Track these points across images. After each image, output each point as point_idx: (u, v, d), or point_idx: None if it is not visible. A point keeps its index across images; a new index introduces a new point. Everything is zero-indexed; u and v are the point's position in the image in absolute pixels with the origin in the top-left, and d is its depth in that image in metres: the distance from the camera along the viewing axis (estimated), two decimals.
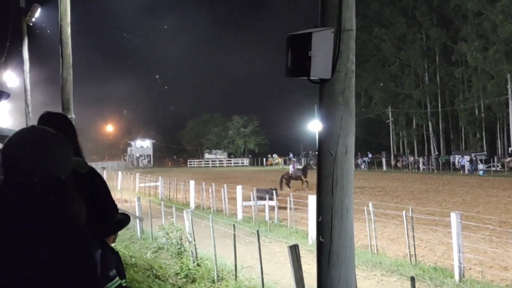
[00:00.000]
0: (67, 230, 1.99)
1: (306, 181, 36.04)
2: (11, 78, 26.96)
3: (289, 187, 34.83)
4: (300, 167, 39.74)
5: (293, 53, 3.48)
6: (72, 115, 12.23)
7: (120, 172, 45.80)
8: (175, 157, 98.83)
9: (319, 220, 3.57)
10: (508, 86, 55.76)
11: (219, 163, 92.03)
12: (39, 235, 1.91)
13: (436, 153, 70.20)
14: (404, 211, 14.47)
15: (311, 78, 3.50)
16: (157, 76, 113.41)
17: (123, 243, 16.96)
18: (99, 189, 2.33)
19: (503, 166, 51.21)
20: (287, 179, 35.86)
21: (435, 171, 55.42)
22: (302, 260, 8.85)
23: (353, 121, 3.63)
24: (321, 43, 3.43)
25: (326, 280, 3.53)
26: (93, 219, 2.58)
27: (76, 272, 1.97)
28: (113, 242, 5.76)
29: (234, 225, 13.48)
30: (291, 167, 38.90)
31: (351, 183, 3.62)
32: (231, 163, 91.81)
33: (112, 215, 2.44)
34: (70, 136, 2.81)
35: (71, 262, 1.96)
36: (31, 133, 2.11)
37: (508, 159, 50.93)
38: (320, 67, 3.44)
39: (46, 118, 3.23)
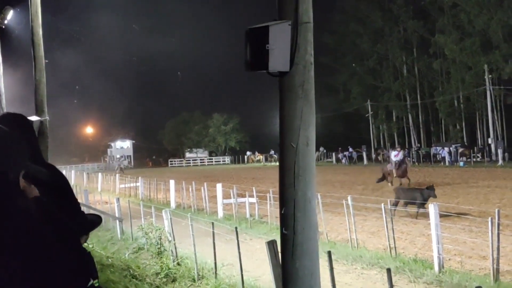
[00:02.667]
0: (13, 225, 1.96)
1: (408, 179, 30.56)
2: None
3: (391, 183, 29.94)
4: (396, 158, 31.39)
5: (251, 46, 3.47)
6: (46, 117, 12.15)
7: (100, 174, 45.47)
8: (154, 157, 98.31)
9: (282, 212, 3.58)
10: (486, 77, 56.30)
11: (200, 162, 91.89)
12: None
13: (417, 145, 70.73)
14: (382, 204, 14.55)
15: (270, 71, 3.50)
16: (135, 74, 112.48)
17: (102, 244, 16.87)
18: (62, 190, 2.30)
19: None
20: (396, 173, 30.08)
21: (416, 163, 55.79)
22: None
23: (313, 114, 3.63)
24: (279, 36, 3.42)
25: (291, 271, 3.54)
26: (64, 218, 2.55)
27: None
28: (84, 242, 5.74)
29: (213, 223, 13.46)
30: (393, 155, 32.25)
31: (313, 175, 3.63)
32: (212, 162, 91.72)
33: (76, 215, 2.39)
34: (28, 137, 2.79)
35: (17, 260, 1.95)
36: None
37: None
38: (278, 60, 3.44)
39: (6, 118, 3.20)
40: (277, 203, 13.97)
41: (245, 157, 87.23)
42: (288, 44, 3.46)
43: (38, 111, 12.22)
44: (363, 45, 76.54)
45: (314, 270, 3.57)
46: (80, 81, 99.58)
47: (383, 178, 31.19)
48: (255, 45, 3.46)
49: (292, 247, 3.52)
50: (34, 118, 12.01)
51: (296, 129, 3.53)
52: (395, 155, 31.40)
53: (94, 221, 5.74)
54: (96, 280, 5.63)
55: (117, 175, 42.69)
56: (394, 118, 78.32)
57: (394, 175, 30.29)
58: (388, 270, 7.40)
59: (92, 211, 7.13)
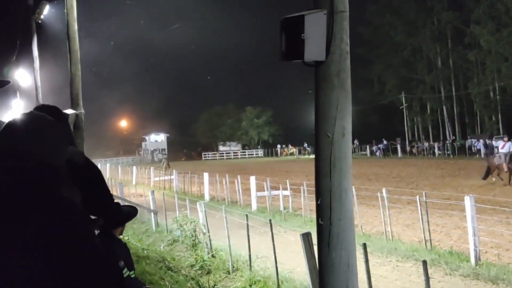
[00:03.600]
0: (63, 217, 1.92)
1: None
2: (23, 76, 27.13)
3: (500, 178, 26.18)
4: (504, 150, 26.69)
5: (286, 36, 3.45)
6: (81, 110, 12.31)
7: (134, 167, 45.98)
8: (184, 150, 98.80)
9: (318, 203, 3.56)
10: None
11: (234, 155, 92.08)
12: (31, 220, 1.84)
13: (452, 137, 69.64)
14: (418, 196, 14.39)
15: (305, 61, 3.48)
16: (169, 69, 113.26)
17: (137, 236, 17.07)
18: (95, 180, 2.30)
19: None
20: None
21: (451, 156, 54.98)
22: (316, 248, 8.85)
23: (350, 103, 3.61)
24: (314, 26, 3.40)
25: (328, 262, 3.53)
26: (91, 210, 2.55)
27: (79, 265, 1.88)
28: (120, 234, 5.82)
29: (247, 216, 13.49)
30: (500, 145, 28.24)
31: (349, 166, 3.60)
32: (245, 155, 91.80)
33: (109, 205, 2.38)
34: (67, 128, 2.82)
35: (72, 253, 1.87)
36: (27, 118, 2.07)
37: None
38: (314, 49, 3.41)
39: (46, 109, 3.25)
40: (311, 196, 14.02)
41: (277, 150, 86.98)
42: (323, 33, 3.43)
43: (73, 104, 12.38)
44: (397, 37, 75.57)
45: (351, 261, 3.54)
46: (116, 74, 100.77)
47: (488, 173, 26.62)
48: (290, 35, 3.43)
49: (328, 238, 3.51)
50: (69, 111, 12.17)
51: (332, 119, 3.51)
52: (502, 146, 27.17)
53: (130, 212, 5.82)
54: (133, 272, 5.72)
55: (151, 168, 43.00)
56: (428, 110, 77.23)
57: (505, 169, 25.61)
58: (424, 262, 7.33)
59: (127, 204, 7.23)
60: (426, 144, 65.55)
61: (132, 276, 5.58)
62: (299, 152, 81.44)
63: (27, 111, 3.36)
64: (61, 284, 1.80)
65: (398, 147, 65.28)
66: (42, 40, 22.90)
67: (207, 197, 27.17)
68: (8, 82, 2.56)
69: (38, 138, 1.98)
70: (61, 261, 1.82)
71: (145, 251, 13.85)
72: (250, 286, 11.40)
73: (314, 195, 13.95)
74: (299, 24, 3.36)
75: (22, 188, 1.91)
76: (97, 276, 1.88)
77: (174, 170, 37.19)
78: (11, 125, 2.02)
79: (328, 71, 3.52)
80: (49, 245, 1.82)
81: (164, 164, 51.78)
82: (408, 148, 65.69)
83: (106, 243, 5.30)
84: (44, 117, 2.11)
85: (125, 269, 5.31)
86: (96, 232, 5.55)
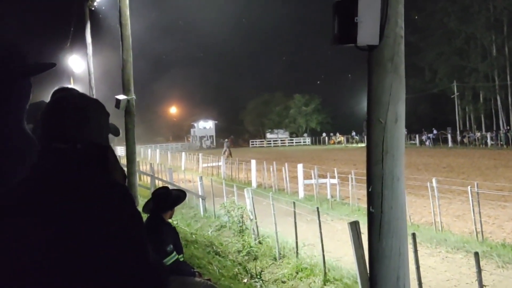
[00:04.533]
0: (116, 201, 1.88)
1: None
2: (77, 62, 27.78)
3: None
4: None
5: (339, 19, 3.39)
6: (132, 96, 12.47)
7: (183, 153, 46.52)
8: (231, 136, 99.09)
9: (369, 190, 3.50)
10: None
11: (281, 143, 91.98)
12: (83, 204, 1.81)
13: (506, 127, 67.67)
14: (469, 187, 14.09)
15: (358, 45, 3.41)
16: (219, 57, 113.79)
17: (186, 221, 17.29)
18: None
19: None
20: None
21: (505, 146, 53.47)
22: (364, 237, 8.77)
23: (403, 89, 3.52)
24: (368, 8, 3.33)
25: (378, 251, 3.47)
26: None
27: (131, 257, 1.84)
28: (170, 217, 5.90)
29: (294, 203, 13.48)
30: None
31: (401, 152, 3.52)
32: (292, 143, 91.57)
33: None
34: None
35: (126, 243, 1.83)
36: (72, 98, 2.05)
37: None
38: (367, 33, 3.34)
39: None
40: (359, 184, 13.95)
41: (327, 138, 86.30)
42: (377, 16, 3.36)
43: (125, 90, 12.56)
44: (450, 24, 73.62)
45: (402, 250, 3.48)
46: (167, 61, 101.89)
47: None
48: (343, 18, 3.37)
49: (379, 226, 3.45)
50: (121, 97, 12.36)
51: (384, 105, 3.43)
52: None
53: (179, 196, 5.91)
54: (182, 255, 5.79)
55: (199, 154, 43.40)
56: (481, 99, 75.17)
57: None
58: (476, 254, 7.17)
59: (175, 188, 7.29)
60: (478, 134, 63.88)
61: (181, 259, 5.67)
62: (347, 141, 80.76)
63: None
64: (101, 268, 1.77)
65: (449, 136, 63.88)
66: (95, 27, 23.35)
67: (254, 184, 27.27)
68: (54, 64, 2.56)
69: (85, 119, 1.98)
70: (107, 244, 1.79)
71: (194, 236, 14.01)
72: (297, 273, 11.43)
73: (362, 184, 13.97)
74: (352, 7, 3.30)
75: (72, 170, 1.89)
76: (137, 267, 1.85)
77: (222, 157, 37.39)
78: (55, 106, 2.00)
79: (382, 56, 3.44)
80: (95, 228, 1.79)
81: (226, 152, 48.99)
82: (459, 138, 64.21)
83: (155, 227, 5.39)
84: (86, 96, 2.10)
85: (174, 253, 5.39)
86: (147, 215, 5.66)
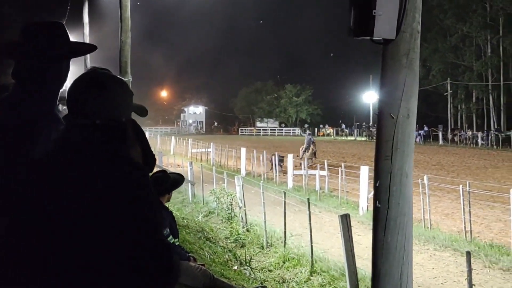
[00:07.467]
0: (134, 178, 1.88)
1: None
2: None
3: None
4: None
5: (356, 12, 3.36)
6: (129, 78, 12.37)
7: (173, 137, 46.40)
8: (216, 123, 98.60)
9: (377, 185, 3.48)
10: None
11: (271, 132, 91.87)
12: (103, 181, 1.82)
13: (497, 127, 67.93)
14: (461, 186, 14.16)
15: (374, 38, 3.38)
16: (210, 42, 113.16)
17: (175, 206, 17.26)
18: (143, 137, 2.27)
19: None
20: None
21: (495, 146, 53.72)
22: (352, 231, 8.80)
23: (417, 85, 3.50)
24: (387, 2, 3.28)
25: (382, 246, 3.46)
26: None
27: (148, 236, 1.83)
28: (168, 201, 5.86)
29: (284, 193, 13.50)
30: None
31: (411, 149, 3.51)
32: (282, 133, 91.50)
33: (153, 166, 2.34)
34: None
35: (142, 223, 1.82)
36: (92, 75, 2.07)
37: None
38: (384, 26, 3.30)
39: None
40: (348, 177, 13.90)
41: (316, 130, 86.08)
42: (395, 10, 3.32)
43: (122, 72, 12.45)
44: (446, 21, 73.65)
45: (407, 246, 3.47)
46: (160, 45, 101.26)
47: None
48: (361, 11, 3.33)
49: (385, 221, 3.43)
50: None
51: (397, 99, 3.41)
52: None
53: (177, 180, 5.88)
54: (177, 239, 5.77)
55: (189, 140, 43.23)
56: (473, 98, 75.40)
57: None
58: (468, 253, 7.21)
59: (173, 172, 7.28)
60: (469, 133, 64.03)
61: (177, 243, 5.66)
62: (336, 133, 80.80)
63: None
64: (114, 245, 1.78)
65: (440, 134, 64.07)
66: (93, 7, 23.12)
67: (243, 172, 27.28)
68: (95, 47, 2.60)
69: (104, 94, 1.99)
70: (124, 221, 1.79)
71: (185, 221, 14.01)
72: (284, 262, 11.46)
73: (351, 177, 13.97)
74: (370, 0, 3.27)
75: (89, 144, 1.91)
76: (151, 242, 1.85)
77: (211, 143, 37.29)
78: (76, 83, 2.02)
79: (397, 50, 3.41)
80: (113, 205, 1.80)
81: (309, 151, 30.41)
82: (450, 136, 64.43)
83: None
84: (106, 73, 2.11)
85: (170, 236, 5.37)
86: None
